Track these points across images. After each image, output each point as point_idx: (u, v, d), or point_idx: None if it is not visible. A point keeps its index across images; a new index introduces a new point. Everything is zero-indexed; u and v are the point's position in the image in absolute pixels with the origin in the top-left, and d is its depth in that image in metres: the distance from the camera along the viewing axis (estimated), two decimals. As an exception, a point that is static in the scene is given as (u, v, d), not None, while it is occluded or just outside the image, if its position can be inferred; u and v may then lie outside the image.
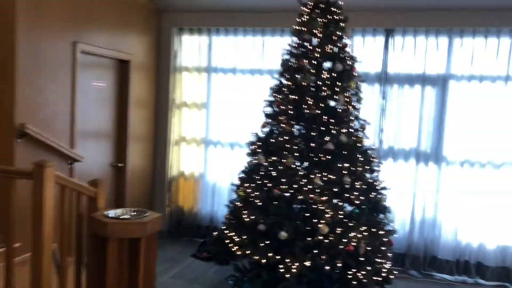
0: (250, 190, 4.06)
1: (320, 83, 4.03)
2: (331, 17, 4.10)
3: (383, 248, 4.02)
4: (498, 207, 4.84)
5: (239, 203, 4.16)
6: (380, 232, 4.01)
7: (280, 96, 4.14)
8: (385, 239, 4.05)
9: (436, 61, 4.96)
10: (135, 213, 3.07)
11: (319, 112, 3.99)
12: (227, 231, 4.15)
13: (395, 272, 4.10)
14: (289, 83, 4.12)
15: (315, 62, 4.06)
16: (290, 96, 4.08)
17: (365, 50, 5.10)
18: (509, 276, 4.78)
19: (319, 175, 3.87)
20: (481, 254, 4.88)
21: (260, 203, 3.97)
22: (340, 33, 4.10)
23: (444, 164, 4.99)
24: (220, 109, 5.65)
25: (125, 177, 5.16)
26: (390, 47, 5.07)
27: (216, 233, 4.35)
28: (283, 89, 4.15)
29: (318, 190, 3.82)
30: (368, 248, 3.84)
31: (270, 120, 4.21)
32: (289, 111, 4.05)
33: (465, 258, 4.94)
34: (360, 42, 5.12)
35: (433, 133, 5.01)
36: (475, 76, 4.86)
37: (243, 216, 4.00)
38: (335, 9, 4.12)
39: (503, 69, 4.78)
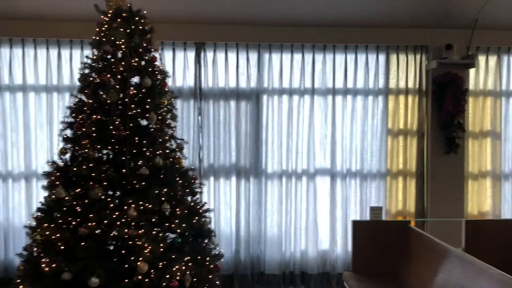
0: (49, 232, 3.35)
1: (128, 100, 3.57)
2: (134, 27, 3.69)
3: (210, 276, 3.74)
4: (315, 215, 5.00)
5: (36, 249, 3.41)
6: (206, 259, 3.73)
7: (81, 116, 3.55)
8: (211, 266, 3.78)
9: (248, 76, 4.96)
10: None
11: (129, 133, 3.52)
12: (23, 285, 3.37)
13: (225, 300, 3.86)
14: (91, 101, 3.56)
15: (120, 77, 3.58)
16: (93, 116, 3.51)
17: (177, 64, 4.87)
18: (330, 281, 4.97)
19: (134, 205, 3.39)
20: (304, 264, 4.99)
21: (64, 247, 3.31)
22: (146, 45, 3.72)
23: (264, 178, 4.98)
24: (8, 135, 4.73)
25: None
26: (202, 62, 4.90)
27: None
28: (84, 108, 3.56)
29: (134, 223, 3.35)
30: (194, 280, 3.51)
31: (70, 145, 3.57)
32: (93, 134, 3.48)
33: (290, 270, 4.99)
34: (171, 56, 4.85)
35: (251, 148, 4.98)
36: (285, 90, 4.99)
37: (42, 264, 3.28)
38: (138, 19, 3.73)
39: (309, 83, 4.99)
